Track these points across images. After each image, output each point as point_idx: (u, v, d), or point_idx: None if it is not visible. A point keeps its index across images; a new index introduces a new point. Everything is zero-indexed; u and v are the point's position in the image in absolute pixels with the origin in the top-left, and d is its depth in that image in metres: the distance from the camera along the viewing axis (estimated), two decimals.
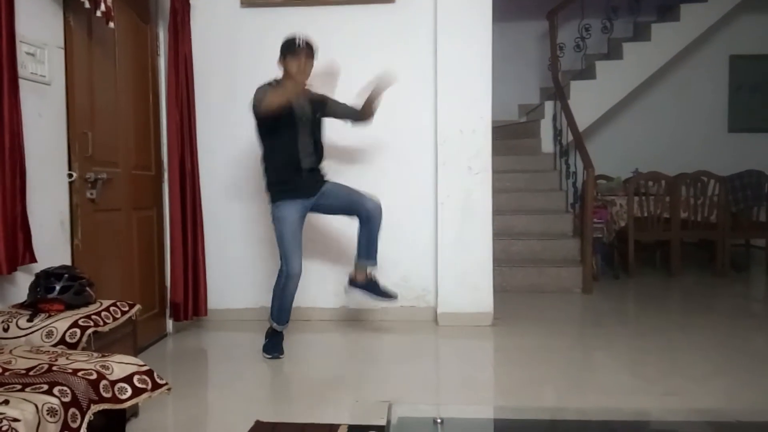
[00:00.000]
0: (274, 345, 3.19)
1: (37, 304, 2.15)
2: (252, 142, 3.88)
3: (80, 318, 2.10)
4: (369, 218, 3.20)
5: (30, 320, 2.06)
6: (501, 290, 4.48)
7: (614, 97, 6.12)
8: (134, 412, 2.29)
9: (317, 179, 3.20)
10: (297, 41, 3.02)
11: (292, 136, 3.08)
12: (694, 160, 6.04)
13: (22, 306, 2.21)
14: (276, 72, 3.83)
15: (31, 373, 1.61)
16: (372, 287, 3.35)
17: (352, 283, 3.37)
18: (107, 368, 1.73)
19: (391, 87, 3.17)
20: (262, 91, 3.02)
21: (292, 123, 3.07)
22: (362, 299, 3.81)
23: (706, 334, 3.57)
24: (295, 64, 3.01)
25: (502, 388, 2.81)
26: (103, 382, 1.68)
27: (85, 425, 1.54)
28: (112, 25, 2.75)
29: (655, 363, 3.07)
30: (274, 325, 3.21)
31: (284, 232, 3.09)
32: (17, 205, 2.26)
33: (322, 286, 3.85)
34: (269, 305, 3.93)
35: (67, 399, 1.51)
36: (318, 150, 3.18)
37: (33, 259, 2.34)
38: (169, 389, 1.90)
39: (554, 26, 6.26)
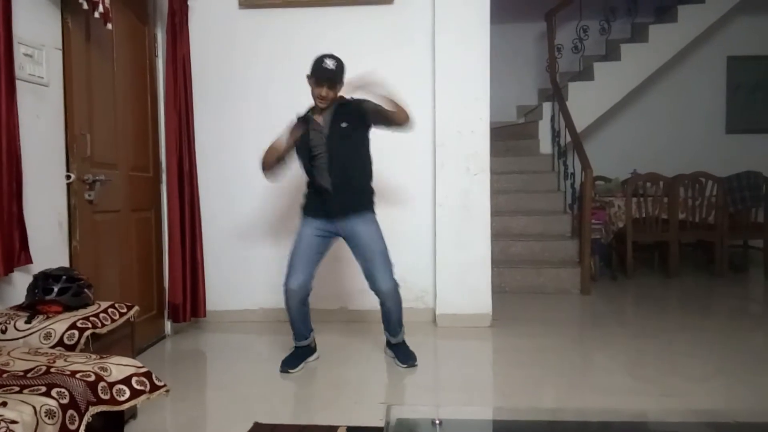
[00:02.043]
0: (286, 358, 3.06)
1: (35, 305, 2.14)
2: (250, 142, 3.89)
3: (78, 320, 2.10)
4: (382, 301, 2.99)
5: (28, 322, 2.06)
6: (499, 291, 4.49)
7: (612, 99, 6.13)
8: (133, 413, 2.29)
9: (342, 200, 2.90)
10: (324, 64, 2.76)
11: (306, 151, 2.91)
12: (692, 161, 6.05)
13: (20, 308, 2.21)
14: (274, 75, 3.87)
15: (29, 374, 1.61)
16: (395, 349, 3.13)
17: (388, 344, 3.20)
18: (105, 370, 1.73)
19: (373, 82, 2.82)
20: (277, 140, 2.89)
21: (305, 144, 2.90)
22: (362, 302, 3.83)
23: (705, 335, 3.57)
24: (316, 91, 2.81)
25: (500, 389, 2.81)
26: (102, 383, 1.68)
27: (83, 427, 1.54)
28: (110, 26, 2.75)
29: (654, 364, 3.08)
30: (294, 341, 3.12)
31: (294, 246, 2.98)
32: (13, 206, 2.25)
33: (320, 288, 3.82)
34: (268, 307, 3.97)
35: (65, 401, 1.51)
36: (341, 169, 2.88)
37: (29, 260, 2.33)
38: (167, 391, 1.90)
39: (552, 27, 6.27)
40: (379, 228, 2.99)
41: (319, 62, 2.79)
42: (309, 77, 2.83)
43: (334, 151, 2.88)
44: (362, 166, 2.98)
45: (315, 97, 2.84)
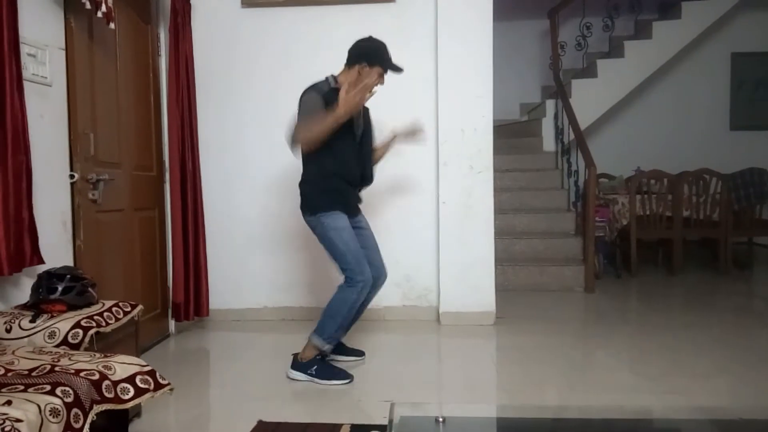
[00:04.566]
0: (334, 369, 2.83)
1: (39, 305, 2.15)
2: (253, 141, 3.90)
3: (82, 319, 2.11)
4: (374, 288, 2.91)
5: (32, 321, 2.06)
6: (503, 289, 4.48)
7: (616, 96, 6.11)
8: (137, 412, 2.29)
9: (358, 201, 2.98)
10: (387, 54, 2.72)
11: (348, 144, 2.79)
12: (696, 158, 6.03)
13: (24, 307, 2.22)
14: (276, 74, 3.87)
15: (33, 373, 1.61)
16: (346, 349, 3.10)
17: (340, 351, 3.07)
18: (110, 368, 1.74)
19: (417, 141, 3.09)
20: (306, 109, 2.68)
21: (351, 130, 2.78)
22: None
23: (709, 333, 3.57)
24: (370, 80, 2.66)
25: (504, 387, 2.81)
26: (106, 382, 1.68)
27: (87, 425, 1.55)
28: (112, 25, 2.75)
29: (658, 361, 3.07)
30: (326, 346, 2.80)
31: (348, 240, 2.76)
32: (23, 206, 2.26)
33: (323, 286, 3.84)
34: (271, 305, 3.97)
35: (69, 399, 1.51)
36: (364, 171, 2.92)
37: (40, 261, 2.34)
38: (171, 389, 1.91)
39: (555, 25, 6.26)
40: None
41: (383, 53, 2.73)
42: (363, 63, 2.71)
43: (365, 155, 2.92)
44: (371, 173, 3.02)
45: (367, 87, 2.63)
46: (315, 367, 2.78)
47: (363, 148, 2.91)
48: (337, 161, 2.77)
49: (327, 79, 2.80)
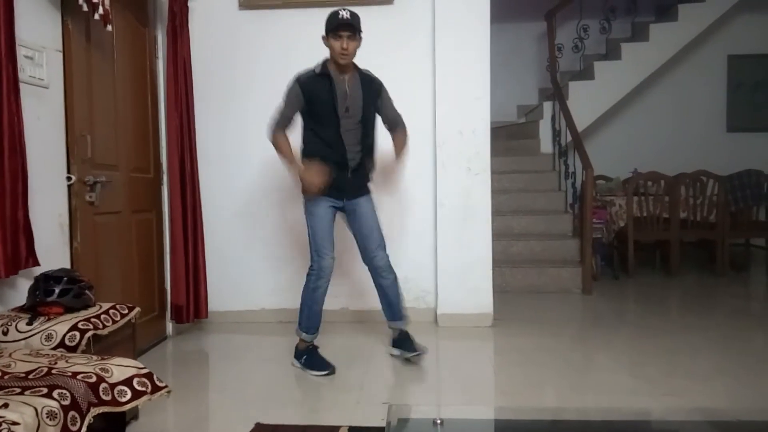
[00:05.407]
0: (318, 361, 2.97)
1: (36, 307, 2.15)
2: (251, 144, 3.89)
3: (79, 321, 2.11)
4: (380, 275, 3.00)
5: (29, 323, 2.06)
6: (501, 291, 4.48)
7: (613, 98, 6.12)
8: (134, 414, 2.29)
9: (357, 183, 2.94)
10: (339, 15, 2.74)
11: (331, 125, 2.81)
12: (693, 159, 6.04)
13: (21, 309, 2.22)
14: (274, 76, 3.86)
15: (30, 376, 1.61)
16: (401, 343, 3.09)
17: (393, 343, 3.15)
18: (107, 371, 1.73)
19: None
20: (285, 98, 2.85)
21: (332, 111, 2.81)
22: (364, 302, 3.82)
23: (706, 334, 3.57)
24: (337, 44, 2.75)
25: (502, 389, 2.80)
26: (103, 384, 1.68)
27: (84, 428, 1.54)
28: (110, 27, 2.76)
29: (655, 363, 3.07)
30: (303, 335, 3.01)
31: (315, 226, 2.89)
32: (19, 208, 2.25)
33: None
34: (270, 307, 3.96)
35: (66, 402, 1.51)
36: (364, 147, 2.91)
37: (36, 263, 2.34)
38: (168, 392, 1.90)
39: (552, 27, 6.27)
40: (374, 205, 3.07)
41: (334, 15, 2.77)
42: (325, 36, 2.81)
43: (364, 130, 2.90)
44: (375, 144, 3.00)
45: (337, 53, 2.77)
46: (305, 356, 3.00)
47: (367, 122, 2.90)
48: (323, 144, 2.84)
49: (317, 63, 2.88)
